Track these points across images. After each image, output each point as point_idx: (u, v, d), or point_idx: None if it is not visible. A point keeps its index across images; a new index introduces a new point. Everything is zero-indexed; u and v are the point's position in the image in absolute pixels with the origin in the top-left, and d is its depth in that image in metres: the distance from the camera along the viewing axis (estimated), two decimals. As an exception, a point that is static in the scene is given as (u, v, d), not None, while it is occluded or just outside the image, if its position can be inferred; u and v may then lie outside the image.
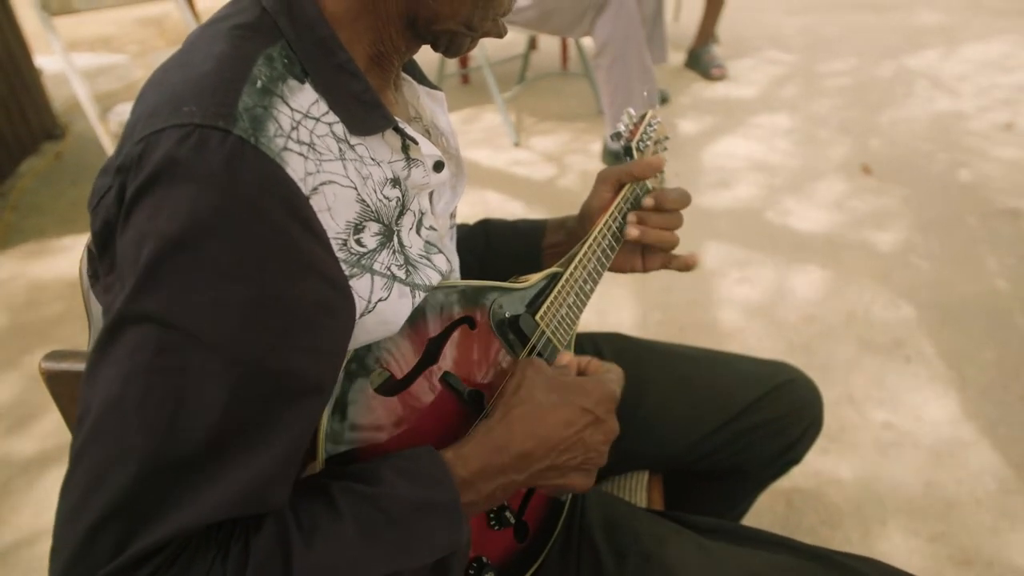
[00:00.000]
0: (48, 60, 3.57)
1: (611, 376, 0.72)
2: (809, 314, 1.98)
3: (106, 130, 2.41)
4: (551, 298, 0.77)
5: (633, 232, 0.85)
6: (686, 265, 0.90)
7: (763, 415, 0.97)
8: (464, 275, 0.83)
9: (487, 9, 0.62)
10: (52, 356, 0.67)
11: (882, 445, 1.58)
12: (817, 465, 1.53)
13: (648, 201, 0.86)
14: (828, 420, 1.02)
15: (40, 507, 1.55)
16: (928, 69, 3.63)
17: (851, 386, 1.73)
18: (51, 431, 1.74)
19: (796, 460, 1.03)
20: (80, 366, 0.66)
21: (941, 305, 1.99)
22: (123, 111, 2.47)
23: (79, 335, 2.06)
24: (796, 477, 1.50)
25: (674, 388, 0.97)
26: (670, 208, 0.87)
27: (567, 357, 0.74)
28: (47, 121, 3.31)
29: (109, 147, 2.43)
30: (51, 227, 2.60)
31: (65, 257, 2.44)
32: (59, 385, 0.67)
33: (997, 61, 3.67)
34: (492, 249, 0.94)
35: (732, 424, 0.96)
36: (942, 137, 2.93)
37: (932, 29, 4.21)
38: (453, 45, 0.65)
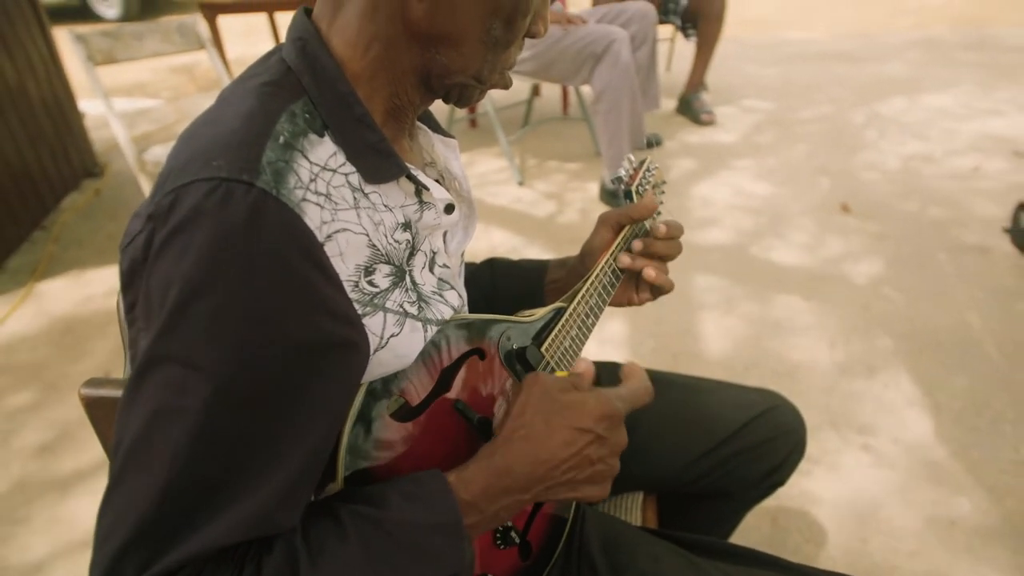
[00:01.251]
0: (90, 104, 3.63)
1: (620, 392, 0.70)
2: (792, 343, 1.98)
3: (141, 169, 2.43)
4: (556, 331, 0.78)
5: (651, 274, 0.85)
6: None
7: (749, 440, 0.97)
8: (472, 310, 0.83)
9: (495, 63, 0.63)
10: (91, 383, 0.68)
11: (862, 467, 1.57)
12: (801, 486, 1.52)
13: (661, 228, 0.86)
14: (810, 444, 1.01)
15: (74, 523, 1.54)
16: (897, 116, 3.66)
17: (832, 412, 1.73)
18: (88, 453, 1.74)
19: (781, 482, 1.03)
20: (116, 393, 0.66)
21: (916, 335, 1.99)
22: (157, 152, 2.50)
23: (115, 359, 2.06)
24: (781, 497, 1.49)
25: (667, 414, 0.97)
26: (675, 235, 0.87)
27: (583, 365, 0.72)
28: (88, 160, 3.35)
29: (144, 184, 2.46)
30: (90, 258, 2.62)
31: (102, 286, 2.45)
32: (97, 410, 0.67)
33: (954, 110, 3.70)
34: (498, 285, 0.94)
35: (720, 448, 0.96)
36: (913, 179, 2.95)
37: (899, 79, 4.25)
38: (463, 97, 0.66)
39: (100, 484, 1.62)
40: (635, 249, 0.87)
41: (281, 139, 0.53)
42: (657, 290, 0.89)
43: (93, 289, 2.44)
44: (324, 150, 0.56)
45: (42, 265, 2.58)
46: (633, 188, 0.92)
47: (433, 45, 0.60)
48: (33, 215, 2.84)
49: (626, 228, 0.89)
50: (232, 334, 0.49)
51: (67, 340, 2.17)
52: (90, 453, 1.72)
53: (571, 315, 0.80)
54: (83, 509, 1.57)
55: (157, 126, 3.91)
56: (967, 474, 1.54)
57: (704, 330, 2.06)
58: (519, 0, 0.59)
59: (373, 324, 0.58)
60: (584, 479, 0.64)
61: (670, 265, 0.90)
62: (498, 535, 0.68)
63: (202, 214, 0.49)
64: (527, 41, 2.61)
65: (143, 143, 2.65)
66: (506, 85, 0.68)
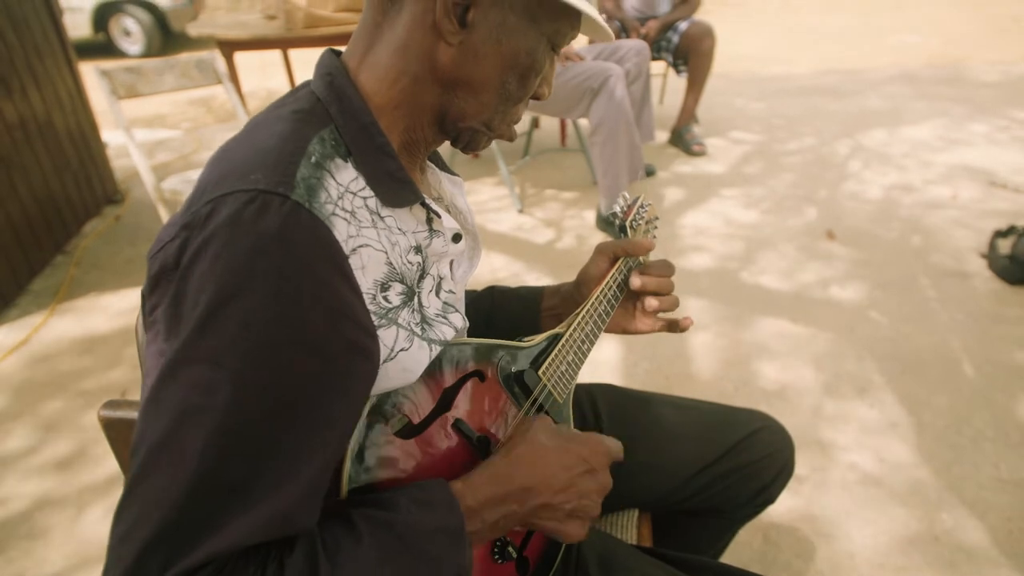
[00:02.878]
0: (112, 135, 3.65)
1: (609, 439, 0.71)
2: (780, 365, 1.98)
3: (159, 196, 2.44)
4: (552, 356, 0.78)
5: (653, 304, 0.87)
6: (682, 327, 0.91)
7: (739, 459, 0.96)
8: (473, 334, 0.84)
9: (506, 114, 0.67)
10: (109, 405, 0.68)
11: (848, 484, 1.56)
12: (790, 503, 1.51)
13: (636, 282, 0.87)
14: (799, 462, 1.01)
15: (91, 539, 1.53)
16: (878, 147, 3.68)
17: (819, 431, 1.72)
18: (104, 470, 1.73)
19: (770, 500, 1.02)
20: (133, 414, 0.66)
21: (899, 356, 1.98)
22: (175, 181, 2.51)
23: (132, 379, 2.06)
24: (771, 514, 1.48)
25: (659, 435, 0.97)
26: (665, 274, 0.89)
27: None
28: (109, 187, 3.37)
29: (162, 211, 2.47)
30: (109, 282, 2.63)
31: (121, 308, 2.45)
32: (115, 432, 0.67)
33: (931, 142, 3.73)
34: (497, 311, 0.95)
35: (711, 468, 0.96)
36: (894, 207, 2.96)
37: (880, 112, 4.28)
38: (472, 142, 0.68)
39: (115, 501, 1.61)
40: (634, 287, 0.87)
41: (313, 159, 0.55)
42: (667, 324, 0.91)
43: (112, 311, 2.44)
44: (347, 174, 0.58)
45: (64, 287, 2.59)
46: (627, 223, 0.94)
47: (453, 88, 0.63)
48: (56, 240, 2.85)
49: (620, 261, 0.90)
50: (262, 337, 0.49)
51: (86, 360, 2.16)
52: (106, 470, 1.71)
53: (567, 341, 0.80)
54: (98, 524, 1.56)
55: (175, 155, 3.94)
56: (949, 491, 1.53)
57: (696, 352, 2.06)
58: (534, 61, 0.63)
59: (386, 336, 0.59)
60: (569, 511, 0.65)
61: None
62: (496, 549, 0.68)
63: (240, 222, 0.50)
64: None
65: (162, 172, 2.67)
66: (511, 137, 0.71)
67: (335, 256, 0.53)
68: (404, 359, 0.60)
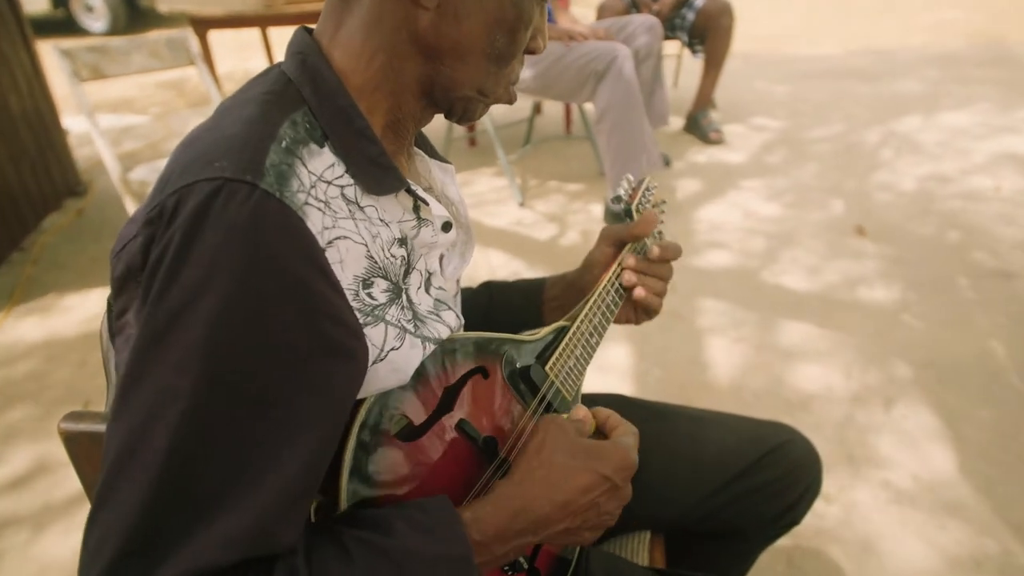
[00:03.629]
0: (74, 121, 3.66)
1: (629, 441, 0.70)
2: (805, 373, 1.98)
3: (127, 189, 2.45)
4: (560, 350, 0.79)
5: (640, 293, 0.87)
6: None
7: (762, 477, 0.96)
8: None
9: (499, 76, 0.66)
10: (71, 417, 0.68)
11: (881, 504, 1.56)
12: (817, 524, 1.51)
13: (655, 250, 0.89)
14: (826, 479, 1.01)
15: (49, 561, 1.53)
16: (912, 135, 3.69)
17: (848, 444, 1.72)
18: (65, 488, 1.72)
19: (796, 521, 1.02)
20: (98, 427, 0.66)
21: (936, 364, 1.98)
22: (144, 171, 2.51)
23: (95, 390, 2.06)
24: (796, 536, 1.48)
25: (674, 449, 0.97)
26: (669, 257, 0.90)
27: (582, 411, 0.72)
28: (71, 178, 3.37)
29: (129, 204, 2.47)
30: (71, 282, 2.63)
31: (83, 312, 2.45)
32: (77, 446, 0.67)
33: (971, 128, 3.73)
34: (495, 307, 0.95)
35: (731, 486, 0.96)
36: (930, 200, 2.96)
37: (914, 97, 4.29)
38: (467, 112, 0.68)
39: (76, 519, 1.61)
40: (627, 265, 0.89)
41: (284, 143, 0.55)
42: (643, 311, 0.91)
43: (73, 315, 2.44)
44: (322, 161, 0.58)
45: (20, 288, 2.59)
46: (633, 207, 0.95)
47: (438, 56, 0.62)
48: (12, 235, 2.85)
49: (627, 247, 0.91)
50: (228, 336, 0.49)
51: (43, 368, 2.16)
52: (67, 487, 1.71)
53: (575, 334, 0.81)
54: (58, 546, 1.56)
55: (143, 143, 3.94)
56: (993, 513, 1.53)
57: (712, 359, 2.06)
58: (521, 11, 0.62)
59: (375, 335, 0.59)
60: (587, 527, 0.65)
61: (679, 289, 0.91)
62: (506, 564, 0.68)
63: (205, 214, 0.50)
64: (529, 59, 2.65)
65: (128, 161, 2.67)
66: (510, 100, 0.70)
67: (309, 249, 0.53)
68: (395, 358, 0.60)
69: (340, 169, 0.59)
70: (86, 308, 2.47)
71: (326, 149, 0.59)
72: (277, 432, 0.51)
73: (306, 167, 0.56)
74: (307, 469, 0.53)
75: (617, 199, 0.95)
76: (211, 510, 0.48)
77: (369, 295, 0.59)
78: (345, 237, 0.57)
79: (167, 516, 0.47)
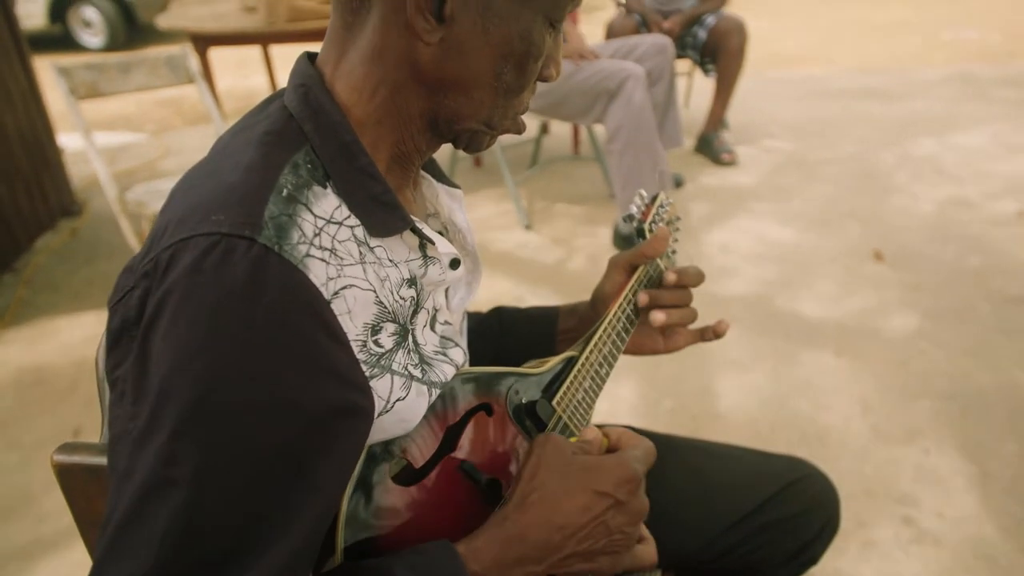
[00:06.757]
0: (70, 138, 3.70)
1: (636, 453, 0.70)
2: (823, 403, 1.97)
3: (122, 208, 2.47)
4: (567, 382, 0.78)
5: (660, 318, 0.87)
6: (716, 333, 0.93)
7: (777, 513, 0.96)
8: (478, 363, 0.84)
9: (507, 108, 0.66)
10: (65, 448, 0.68)
11: (903, 543, 1.55)
12: (835, 563, 1.49)
13: (671, 276, 0.89)
14: (845, 516, 1.00)
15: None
16: (930, 156, 3.70)
17: (868, 479, 1.71)
18: (54, 521, 1.72)
19: (813, 560, 1.01)
20: (93, 459, 0.66)
21: (958, 395, 1.97)
22: (140, 191, 2.53)
23: (88, 416, 2.06)
24: (814, 576, 1.46)
25: (686, 484, 0.96)
26: (689, 284, 0.90)
27: (592, 432, 0.71)
28: (65, 198, 3.40)
29: (125, 225, 2.49)
30: (64, 304, 2.64)
31: (76, 335, 2.46)
32: (71, 479, 0.67)
33: (990, 150, 3.75)
34: (506, 335, 0.95)
35: (745, 523, 0.95)
36: (950, 224, 2.97)
37: (931, 117, 4.31)
38: (473, 143, 0.68)
39: (66, 555, 1.60)
40: (641, 303, 0.88)
41: (284, 192, 0.55)
42: (700, 333, 0.92)
43: (66, 338, 2.45)
44: (328, 202, 0.58)
45: (11, 310, 2.60)
46: (646, 225, 0.93)
47: (441, 90, 0.62)
48: (4, 256, 2.87)
49: (639, 269, 0.90)
50: (229, 401, 0.49)
51: (35, 394, 2.17)
52: (57, 522, 1.70)
53: (583, 365, 0.80)
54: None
55: (140, 162, 3.98)
56: (1021, 553, 1.51)
57: (726, 389, 2.05)
58: (531, 44, 0.61)
59: (380, 387, 0.59)
60: (600, 549, 0.64)
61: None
62: None
63: (201, 272, 0.49)
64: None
65: (125, 180, 2.70)
66: (519, 130, 0.69)
67: (313, 303, 0.53)
68: (401, 409, 0.60)
69: (346, 210, 0.59)
70: (78, 331, 2.47)
71: (329, 189, 0.58)
72: (281, 496, 0.51)
73: (312, 212, 0.56)
74: (311, 529, 0.53)
75: (629, 217, 0.94)
76: None
77: (376, 342, 0.59)
78: (352, 286, 0.57)
79: None
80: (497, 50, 0.60)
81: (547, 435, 0.67)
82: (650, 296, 0.88)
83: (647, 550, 0.70)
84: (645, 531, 0.72)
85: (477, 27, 0.59)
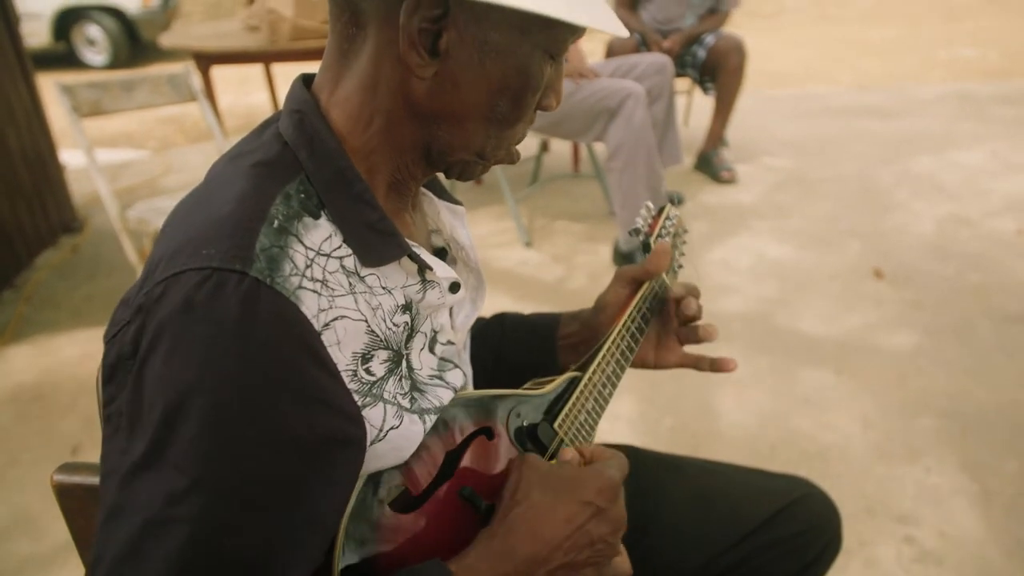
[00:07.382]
0: (71, 155, 3.71)
1: (612, 462, 0.70)
2: (823, 421, 1.96)
3: (124, 226, 2.47)
4: (570, 404, 0.78)
5: (692, 306, 0.91)
6: (718, 367, 0.92)
7: (778, 533, 0.95)
8: (478, 370, 0.84)
9: (500, 140, 0.66)
10: (65, 468, 0.68)
11: (904, 562, 1.54)
12: (837, 583, 1.49)
13: (678, 291, 0.92)
14: (846, 534, 1.00)
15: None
16: (929, 174, 3.71)
17: (869, 498, 1.70)
18: (50, 539, 1.71)
19: (816, 580, 1.01)
20: (92, 479, 0.66)
21: (959, 414, 1.97)
22: (141, 208, 2.54)
23: (87, 434, 2.05)
24: (816, 596, 1.45)
25: (685, 504, 0.96)
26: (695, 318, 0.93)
27: (569, 452, 0.72)
28: (66, 214, 3.41)
29: (126, 243, 2.50)
30: (64, 321, 2.64)
31: (76, 352, 2.46)
32: (71, 499, 0.67)
33: (989, 167, 3.76)
34: (507, 342, 0.96)
35: (747, 542, 0.94)
36: (949, 242, 2.97)
37: (930, 135, 4.33)
38: (465, 173, 0.68)
39: (63, 574, 1.59)
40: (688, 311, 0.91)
41: (275, 223, 0.55)
42: (700, 361, 0.92)
43: (66, 355, 2.45)
44: (319, 233, 0.58)
45: (11, 327, 2.60)
46: (652, 239, 0.92)
47: (435, 121, 0.62)
48: (4, 272, 2.88)
49: (645, 286, 0.89)
50: (225, 436, 0.49)
51: (34, 410, 2.16)
52: (53, 540, 1.70)
53: (586, 385, 0.79)
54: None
55: (142, 179, 4.00)
56: None
57: (726, 407, 2.05)
58: (529, 77, 0.61)
59: (373, 416, 0.59)
60: (584, 560, 0.65)
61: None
62: None
63: (193, 307, 0.50)
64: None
65: (127, 198, 2.71)
66: (512, 160, 0.70)
67: (304, 336, 0.53)
68: (395, 438, 0.60)
69: (338, 239, 0.59)
70: (78, 348, 2.47)
71: (322, 219, 0.58)
72: (280, 527, 0.51)
73: (303, 243, 0.56)
74: (309, 558, 0.53)
75: (635, 231, 0.92)
76: None
77: (367, 371, 0.59)
78: (343, 317, 0.57)
79: None
80: (493, 83, 0.60)
81: (523, 454, 0.68)
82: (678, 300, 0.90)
83: (623, 561, 0.70)
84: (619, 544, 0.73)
85: (473, 61, 0.59)
